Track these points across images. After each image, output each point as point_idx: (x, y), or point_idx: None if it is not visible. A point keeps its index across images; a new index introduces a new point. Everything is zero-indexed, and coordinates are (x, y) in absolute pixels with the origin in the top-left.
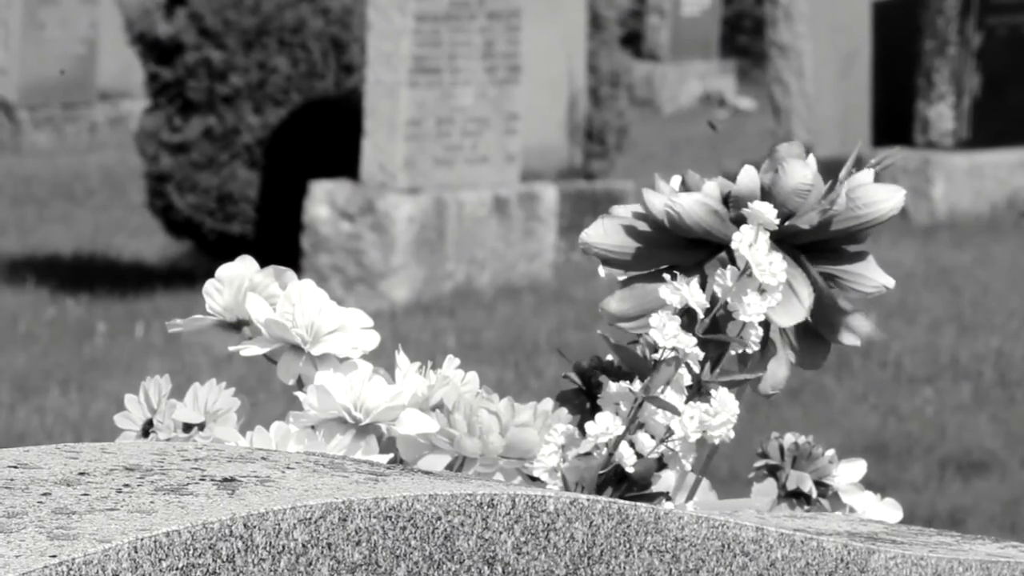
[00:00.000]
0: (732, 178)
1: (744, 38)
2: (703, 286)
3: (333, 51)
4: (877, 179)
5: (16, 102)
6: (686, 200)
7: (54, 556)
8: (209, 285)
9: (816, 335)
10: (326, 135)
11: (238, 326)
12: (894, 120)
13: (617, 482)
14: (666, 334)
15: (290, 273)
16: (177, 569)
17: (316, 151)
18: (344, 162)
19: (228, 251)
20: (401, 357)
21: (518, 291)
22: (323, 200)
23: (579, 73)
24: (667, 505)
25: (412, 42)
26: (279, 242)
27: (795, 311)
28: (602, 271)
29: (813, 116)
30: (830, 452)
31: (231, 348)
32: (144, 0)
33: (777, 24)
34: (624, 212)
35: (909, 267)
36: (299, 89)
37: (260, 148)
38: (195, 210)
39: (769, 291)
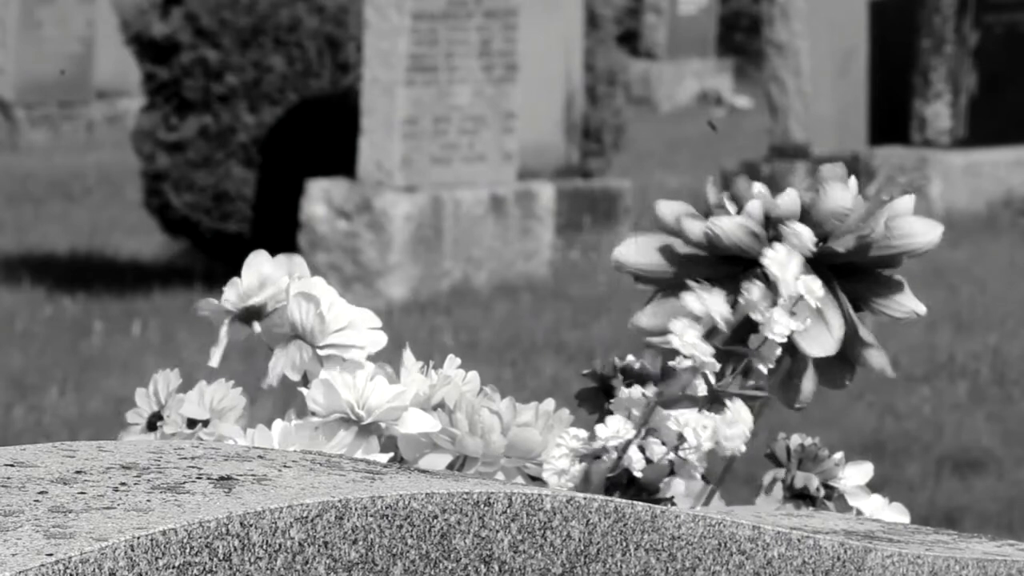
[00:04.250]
0: (730, 177)
1: (741, 36)
2: (736, 300)
3: (329, 50)
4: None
5: (13, 100)
6: (727, 224)
7: (51, 555)
8: (228, 285)
9: (842, 358)
10: (322, 134)
11: (247, 319)
12: (891, 118)
13: (625, 487)
14: (685, 341)
15: (299, 259)
16: (174, 567)
17: (312, 150)
18: (340, 161)
19: (225, 250)
20: (407, 355)
21: (515, 289)
22: (320, 199)
23: (576, 71)
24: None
25: (409, 40)
26: (276, 240)
27: (826, 343)
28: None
29: (810, 114)
30: (838, 455)
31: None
32: (139, 0)
33: (774, 22)
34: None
35: (906, 266)
36: (295, 88)
37: (256, 147)
38: (192, 209)
39: (800, 314)
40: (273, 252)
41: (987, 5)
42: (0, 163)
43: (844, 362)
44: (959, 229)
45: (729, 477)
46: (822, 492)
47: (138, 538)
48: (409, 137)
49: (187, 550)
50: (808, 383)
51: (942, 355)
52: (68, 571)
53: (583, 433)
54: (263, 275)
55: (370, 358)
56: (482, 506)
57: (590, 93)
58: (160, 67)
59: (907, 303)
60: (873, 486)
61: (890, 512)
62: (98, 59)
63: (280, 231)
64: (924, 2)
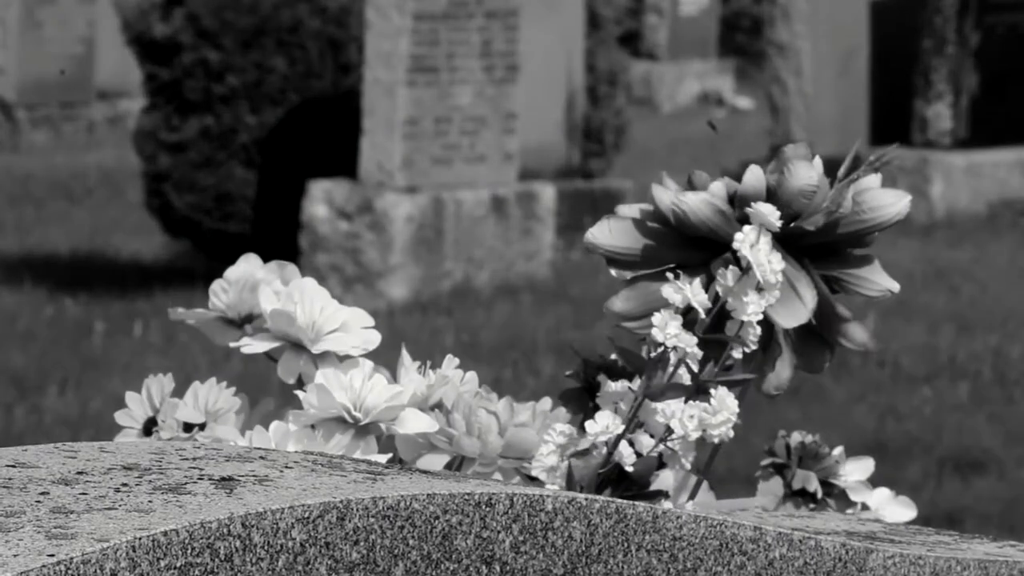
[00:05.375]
0: (732, 177)
1: (742, 37)
2: (708, 286)
3: (330, 51)
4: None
5: (14, 101)
6: (692, 199)
7: (52, 555)
8: (216, 285)
9: (819, 338)
10: (323, 134)
11: (241, 323)
12: (892, 119)
13: (617, 481)
14: (668, 333)
15: (292, 267)
16: (175, 568)
17: (313, 150)
18: (342, 161)
19: (226, 250)
20: (405, 355)
21: (516, 290)
22: (321, 199)
23: (577, 72)
24: (666, 504)
25: (410, 41)
26: (277, 241)
27: (798, 312)
28: (615, 272)
29: (811, 115)
30: (838, 450)
31: (233, 343)
32: (141, 0)
33: (775, 23)
34: (629, 211)
35: (907, 266)
36: (296, 89)
37: (257, 148)
38: (193, 209)
39: (767, 289)
40: (274, 252)
41: (988, 6)
42: (1, 164)
43: (821, 342)
44: (960, 230)
45: (729, 477)
46: (820, 492)
47: (140, 539)
48: (410, 138)
49: (188, 551)
50: (783, 367)
51: (943, 356)
52: (69, 572)
53: (569, 429)
54: (254, 279)
55: (369, 358)
56: (484, 507)
57: (591, 94)
58: (161, 68)
59: (880, 281)
60: (874, 486)
61: (896, 505)
62: (99, 60)
63: (281, 232)
64: (925, 2)
